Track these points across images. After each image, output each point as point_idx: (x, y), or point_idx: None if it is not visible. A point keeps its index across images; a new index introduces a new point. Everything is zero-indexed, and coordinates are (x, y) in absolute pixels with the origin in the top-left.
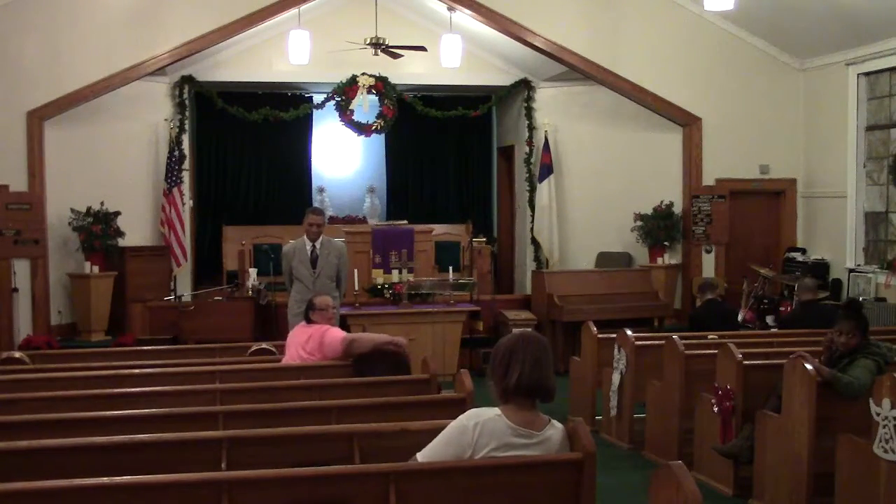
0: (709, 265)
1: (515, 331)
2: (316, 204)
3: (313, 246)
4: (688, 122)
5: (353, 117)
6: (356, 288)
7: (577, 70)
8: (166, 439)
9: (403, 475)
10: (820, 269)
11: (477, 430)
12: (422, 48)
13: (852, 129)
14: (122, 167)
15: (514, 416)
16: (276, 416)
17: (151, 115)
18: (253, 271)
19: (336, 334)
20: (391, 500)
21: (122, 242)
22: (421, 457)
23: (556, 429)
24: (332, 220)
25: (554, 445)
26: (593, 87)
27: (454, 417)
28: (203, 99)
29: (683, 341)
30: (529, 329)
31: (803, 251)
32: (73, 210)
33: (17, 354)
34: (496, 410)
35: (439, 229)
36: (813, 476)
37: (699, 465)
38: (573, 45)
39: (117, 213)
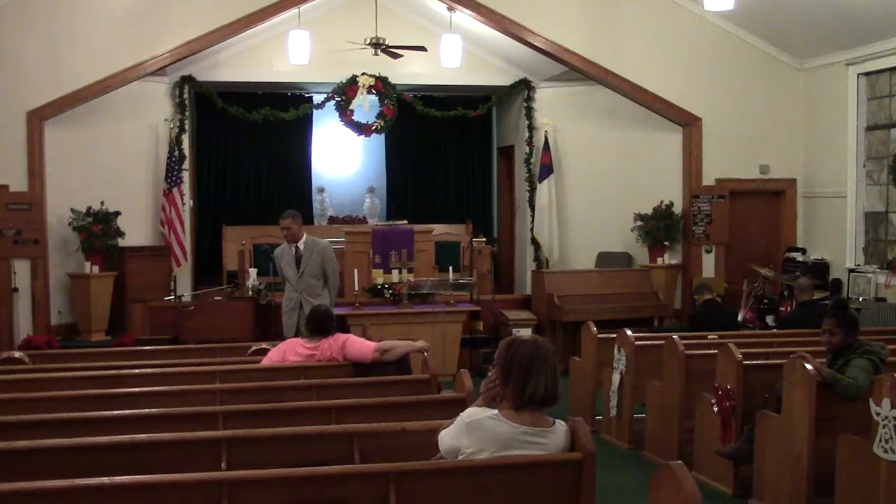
0: (709, 265)
1: (524, 336)
2: (315, 204)
3: (296, 247)
4: (688, 122)
5: (353, 117)
6: (356, 288)
7: (576, 70)
8: (166, 439)
9: (403, 475)
10: (820, 269)
11: (472, 433)
12: (422, 48)
13: (852, 129)
14: (122, 167)
15: (520, 417)
16: (276, 416)
17: (151, 115)
18: (253, 271)
19: (361, 345)
20: (391, 500)
21: (122, 242)
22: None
23: (561, 428)
24: (332, 220)
25: (560, 444)
26: (593, 87)
27: (454, 417)
28: (203, 99)
29: (683, 341)
30: (537, 336)
31: (803, 251)
32: (73, 210)
33: (17, 354)
34: (493, 412)
35: (439, 229)
36: (813, 476)
37: (699, 465)
38: (573, 45)
39: (117, 213)
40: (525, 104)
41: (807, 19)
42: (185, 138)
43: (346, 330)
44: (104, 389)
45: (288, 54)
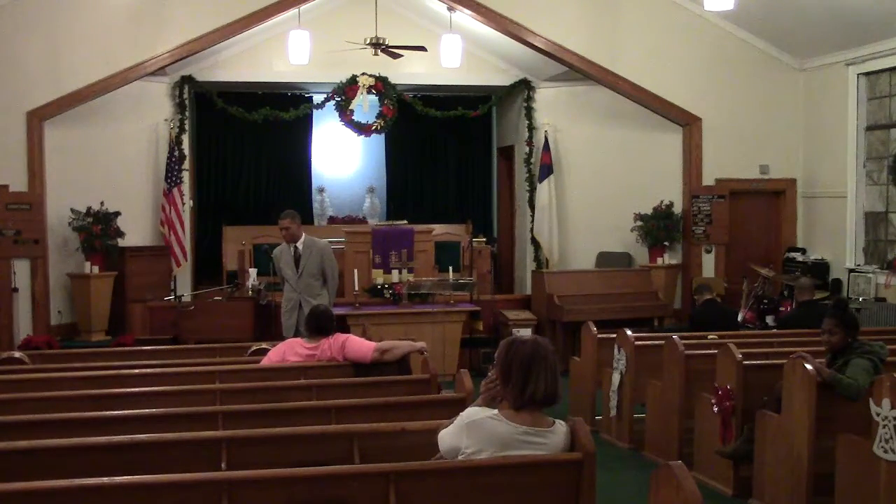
0: (709, 265)
1: (523, 336)
2: (315, 204)
3: (295, 247)
4: (688, 122)
5: (353, 117)
6: (356, 288)
7: (576, 70)
8: (166, 439)
9: (403, 475)
10: (820, 269)
11: (472, 432)
12: (422, 48)
13: (852, 129)
14: (122, 167)
15: (520, 417)
16: (276, 416)
17: (151, 115)
18: (253, 271)
19: (361, 345)
20: (391, 500)
21: (122, 242)
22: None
23: (561, 428)
24: (332, 220)
25: (560, 444)
26: (593, 87)
27: (454, 417)
28: (203, 99)
29: (683, 341)
30: (537, 336)
31: (803, 251)
32: (73, 210)
33: (17, 354)
34: (493, 412)
35: (439, 229)
36: (813, 476)
37: (699, 465)
38: (573, 45)
39: (117, 213)
40: (525, 104)
41: (807, 19)
42: (185, 138)
43: (346, 330)
44: (104, 389)
45: (288, 54)
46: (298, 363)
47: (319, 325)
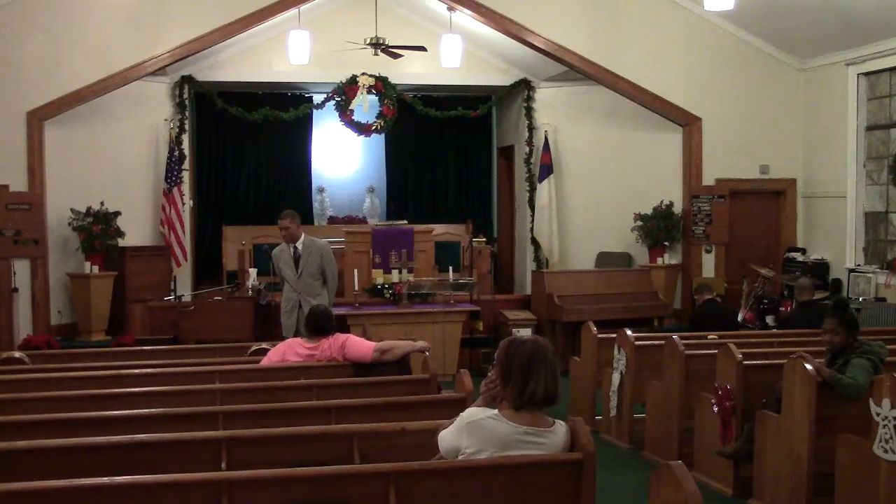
0: (709, 265)
1: (523, 336)
2: (315, 204)
3: (294, 247)
4: (688, 122)
5: (353, 117)
6: (356, 288)
7: (576, 70)
8: (166, 439)
9: (403, 475)
10: (820, 269)
11: (472, 433)
12: (422, 48)
13: (852, 129)
14: (122, 167)
15: (520, 417)
16: (276, 416)
17: (151, 115)
18: (253, 271)
19: (361, 345)
20: (391, 500)
21: (122, 242)
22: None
23: (561, 428)
24: (332, 220)
25: (560, 444)
26: (593, 87)
27: (454, 417)
28: (203, 99)
29: (683, 341)
30: (537, 336)
31: (803, 251)
32: (73, 210)
33: (17, 354)
34: (493, 412)
35: (439, 229)
36: (813, 476)
37: (699, 465)
38: (573, 44)
39: (117, 213)
40: (525, 104)
41: (807, 19)
42: (185, 138)
43: (346, 330)
44: (104, 389)
45: (288, 54)
46: (298, 363)
47: (319, 325)
